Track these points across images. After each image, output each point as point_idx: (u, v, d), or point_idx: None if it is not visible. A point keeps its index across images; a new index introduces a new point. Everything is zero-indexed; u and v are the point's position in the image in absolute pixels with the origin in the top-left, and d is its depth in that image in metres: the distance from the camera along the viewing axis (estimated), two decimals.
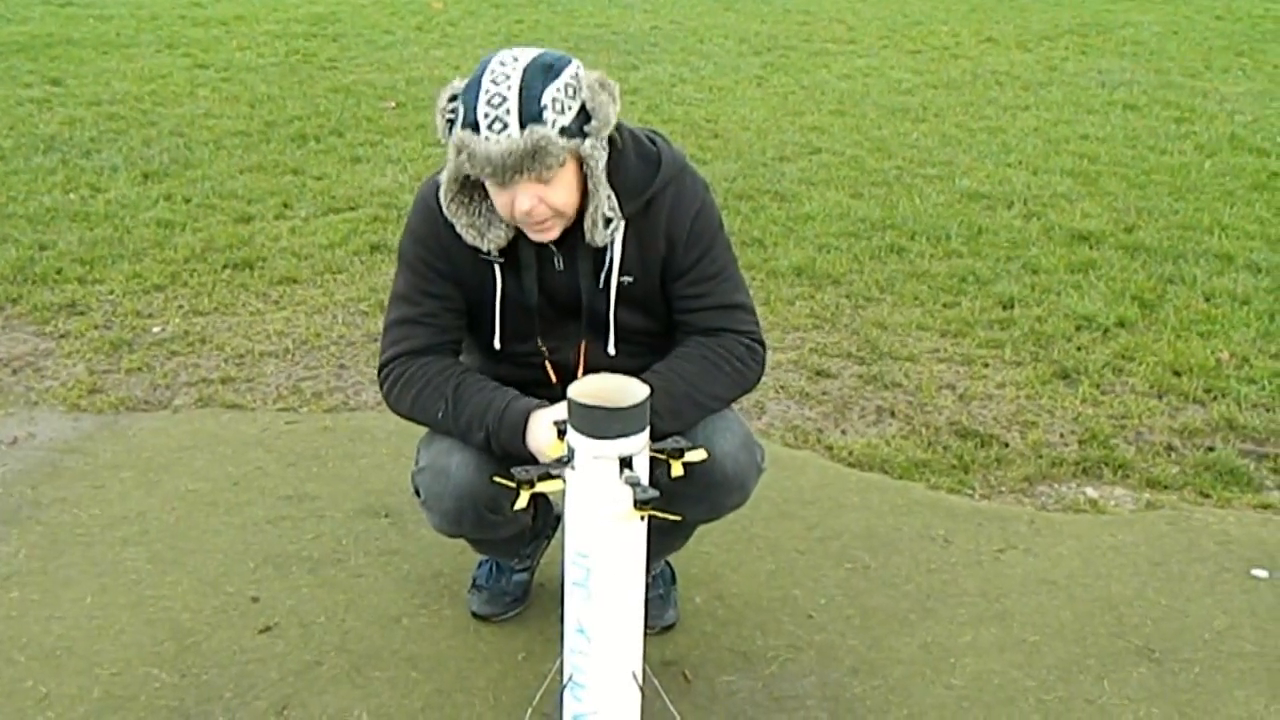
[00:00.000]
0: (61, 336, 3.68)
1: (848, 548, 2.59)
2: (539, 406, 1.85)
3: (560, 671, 1.81)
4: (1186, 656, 2.25)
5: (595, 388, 1.65)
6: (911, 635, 2.29)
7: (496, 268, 1.92)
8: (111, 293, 4.01)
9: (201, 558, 2.50)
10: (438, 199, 1.89)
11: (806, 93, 7.45)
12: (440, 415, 1.91)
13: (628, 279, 1.94)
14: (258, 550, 2.53)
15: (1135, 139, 6.31)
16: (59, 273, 4.15)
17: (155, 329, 3.74)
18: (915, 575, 2.49)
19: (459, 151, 1.73)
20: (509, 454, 1.84)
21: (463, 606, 2.34)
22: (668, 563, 2.35)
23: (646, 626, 2.01)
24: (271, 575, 2.44)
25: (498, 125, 1.70)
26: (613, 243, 1.90)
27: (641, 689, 1.79)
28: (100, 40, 8.67)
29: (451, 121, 1.75)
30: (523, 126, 1.69)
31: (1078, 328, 3.83)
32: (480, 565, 2.36)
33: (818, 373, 3.49)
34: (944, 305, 4.01)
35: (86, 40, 8.64)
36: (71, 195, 5.03)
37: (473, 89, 1.73)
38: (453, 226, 1.89)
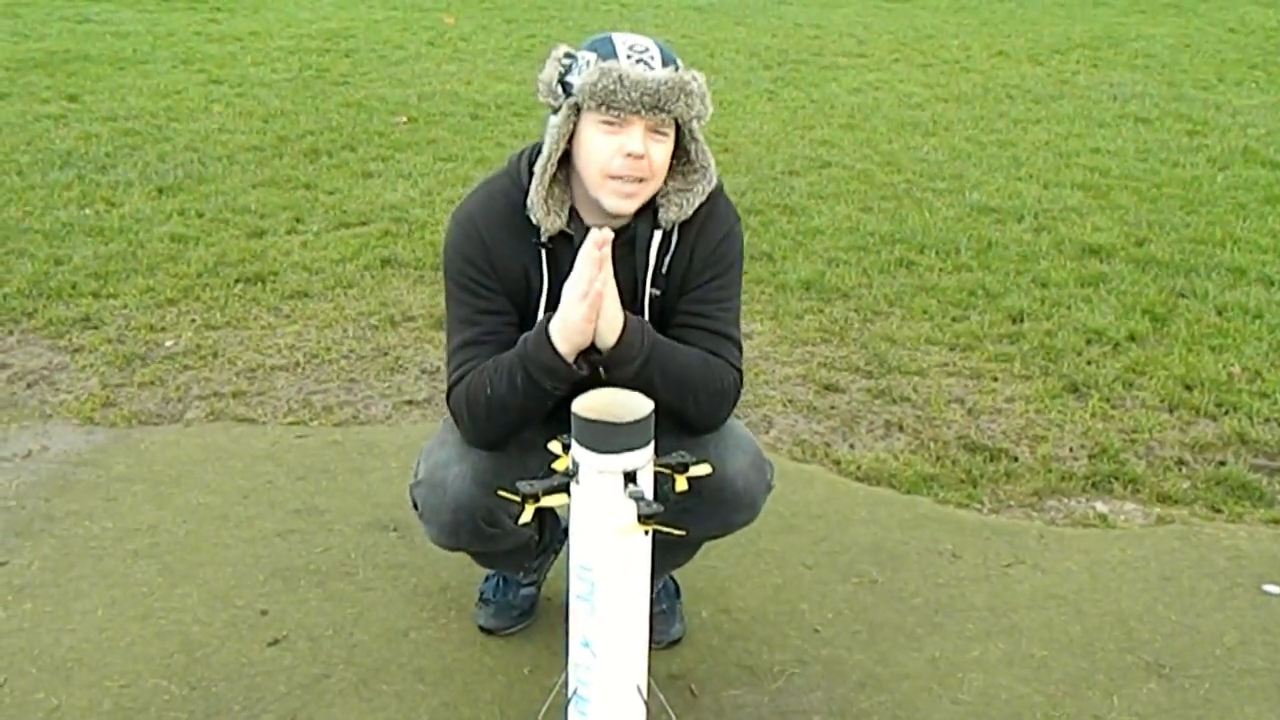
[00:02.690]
0: (75, 350, 3.71)
1: (855, 562, 2.58)
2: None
3: (565, 685, 1.82)
4: (1196, 672, 2.23)
5: (599, 402, 1.66)
6: (919, 650, 2.29)
7: (544, 257, 1.92)
8: (125, 307, 4.04)
9: (212, 570, 2.51)
10: (477, 216, 1.93)
11: (816, 107, 7.47)
12: (490, 390, 1.86)
13: (656, 292, 1.96)
14: (267, 563, 2.54)
15: (1147, 152, 6.30)
16: (73, 287, 4.18)
17: (168, 343, 3.77)
18: (923, 590, 2.49)
19: (601, 76, 1.76)
20: (553, 379, 1.81)
21: (470, 620, 2.35)
22: (673, 577, 2.35)
23: (652, 641, 2.01)
24: (280, 588, 2.45)
25: (642, 65, 1.78)
26: (649, 248, 1.93)
27: (646, 703, 1.80)
28: (117, 57, 8.75)
29: (564, 75, 1.81)
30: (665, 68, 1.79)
31: (1088, 341, 3.82)
32: (487, 579, 2.37)
33: (826, 387, 3.49)
34: (953, 319, 4.01)
35: (103, 57, 8.71)
36: (87, 210, 5.07)
37: (602, 41, 1.81)
38: (497, 241, 1.90)
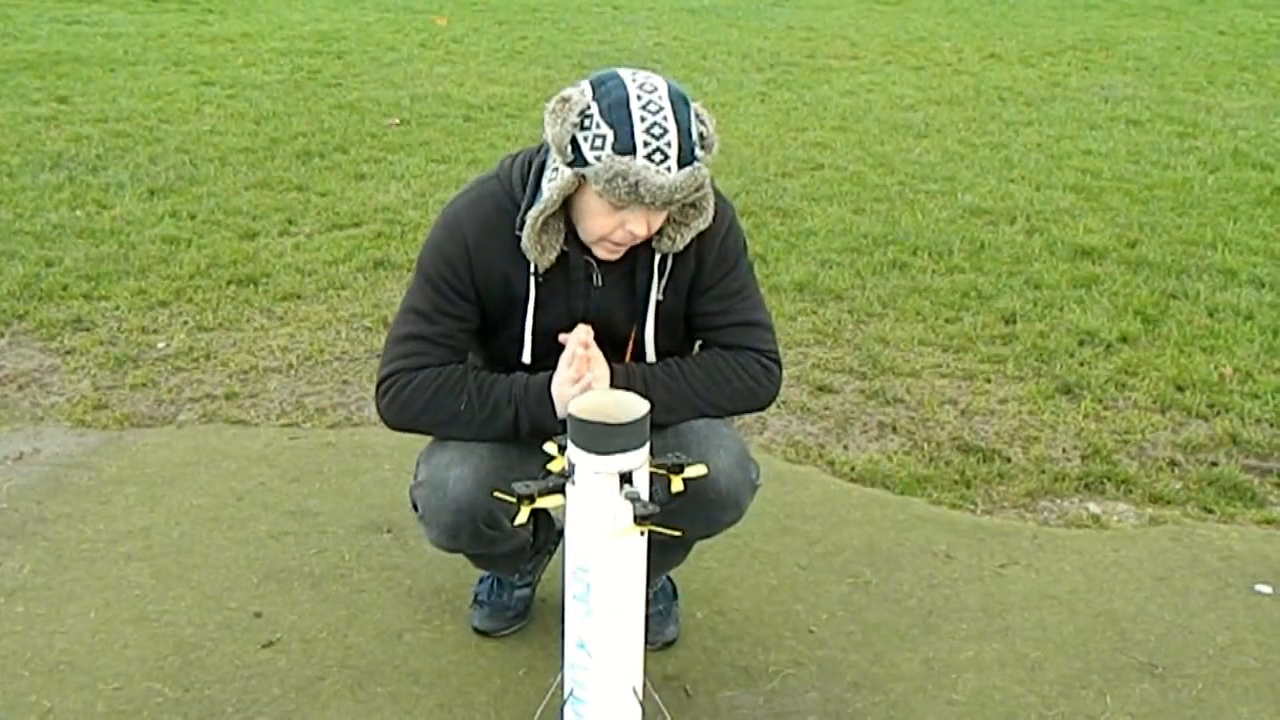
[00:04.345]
0: (67, 353, 3.70)
1: (849, 563, 2.59)
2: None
3: (561, 687, 1.82)
4: (1189, 672, 2.24)
5: (595, 403, 1.66)
6: (913, 651, 2.29)
7: (533, 284, 1.93)
8: (117, 309, 4.03)
9: (205, 573, 2.51)
10: (464, 218, 1.92)
11: (809, 109, 7.48)
12: (463, 406, 1.91)
13: (660, 298, 1.97)
14: (260, 565, 2.54)
15: (1138, 154, 6.33)
16: (65, 289, 4.17)
17: (160, 345, 3.76)
18: (917, 590, 2.49)
19: (615, 176, 1.71)
20: (535, 429, 1.89)
21: (464, 622, 2.34)
22: (669, 578, 2.36)
23: (647, 642, 2.01)
24: (274, 590, 2.45)
25: (658, 156, 1.72)
26: (653, 259, 1.94)
27: (642, 704, 1.80)
28: (107, 58, 8.72)
29: (576, 137, 1.73)
30: (681, 163, 1.73)
31: (1080, 343, 3.83)
32: (482, 580, 2.37)
33: (819, 388, 3.50)
34: (946, 320, 4.02)
35: (94, 58, 8.69)
36: (78, 212, 5.06)
37: (618, 111, 1.72)
38: (482, 247, 1.91)
